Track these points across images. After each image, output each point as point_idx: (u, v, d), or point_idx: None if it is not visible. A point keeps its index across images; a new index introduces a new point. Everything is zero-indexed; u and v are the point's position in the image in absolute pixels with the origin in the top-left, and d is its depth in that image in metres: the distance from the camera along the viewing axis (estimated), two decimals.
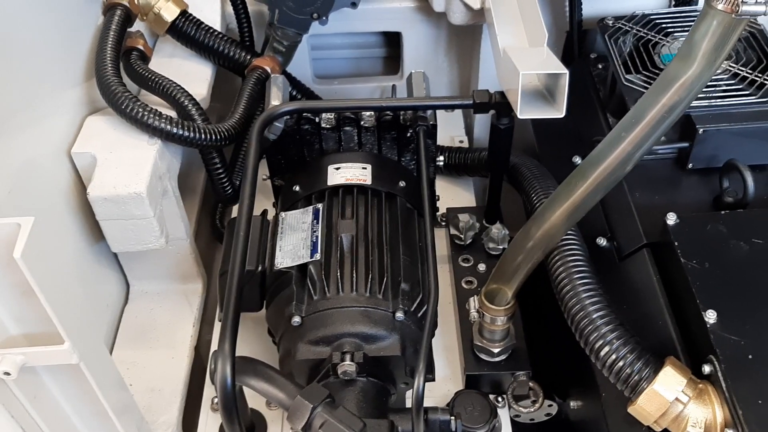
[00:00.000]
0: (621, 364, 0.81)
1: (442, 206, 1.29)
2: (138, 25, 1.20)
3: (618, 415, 0.86)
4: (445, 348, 1.14)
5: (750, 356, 0.78)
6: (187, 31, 1.23)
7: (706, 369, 0.80)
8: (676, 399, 0.78)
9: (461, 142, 1.46)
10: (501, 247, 1.20)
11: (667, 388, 0.78)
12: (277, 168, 1.19)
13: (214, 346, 1.15)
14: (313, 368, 0.95)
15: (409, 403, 0.97)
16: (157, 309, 1.17)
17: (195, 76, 1.24)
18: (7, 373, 0.77)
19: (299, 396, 0.84)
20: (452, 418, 0.94)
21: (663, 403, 0.78)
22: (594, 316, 0.84)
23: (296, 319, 0.95)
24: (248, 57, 1.25)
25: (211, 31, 1.24)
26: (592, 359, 0.84)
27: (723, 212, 0.90)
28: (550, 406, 1.19)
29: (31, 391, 0.85)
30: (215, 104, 1.29)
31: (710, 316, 0.80)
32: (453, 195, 1.36)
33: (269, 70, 1.21)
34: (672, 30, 1.13)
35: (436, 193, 1.26)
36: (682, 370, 0.80)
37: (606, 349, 0.82)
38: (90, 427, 0.95)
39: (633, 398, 0.81)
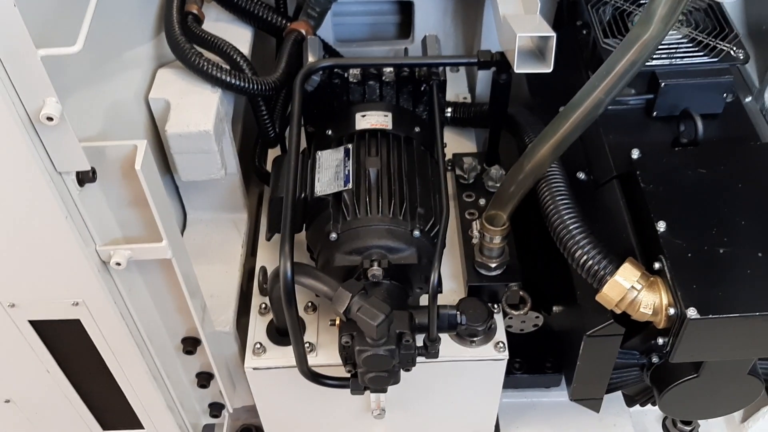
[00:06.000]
0: (591, 262, 1.04)
1: (449, 152, 1.50)
2: None
3: (589, 306, 1.09)
4: (451, 267, 1.35)
5: (689, 255, 1.01)
6: None
7: (656, 266, 1.03)
8: (632, 287, 1.01)
9: (465, 98, 1.67)
10: (498, 185, 1.42)
11: (626, 279, 1.01)
12: (310, 116, 1.41)
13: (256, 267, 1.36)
14: (347, 274, 1.17)
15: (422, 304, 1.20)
16: (211, 233, 1.39)
17: (237, 39, 1.42)
18: (119, 264, 1.00)
19: (341, 287, 1.06)
20: (458, 313, 1.17)
21: (622, 290, 1.01)
22: (571, 227, 1.07)
23: (333, 235, 1.17)
24: (284, 21, 1.45)
25: None
26: (569, 261, 1.07)
27: (676, 148, 1.13)
28: (537, 317, 1.42)
29: (128, 285, 1.07)
30: None
31: (661, 226, 1.04)
32: (458, 143, 1.57)
33: (304, 33, 1.41)
34: (644, 2, 1.33)
35: (445, 141, 1.47)
36: (638, 266, 1.03)
37: (579, 252, 1.05)
38: (168, 319, 1.18)
39: (599, 289, 1.04)
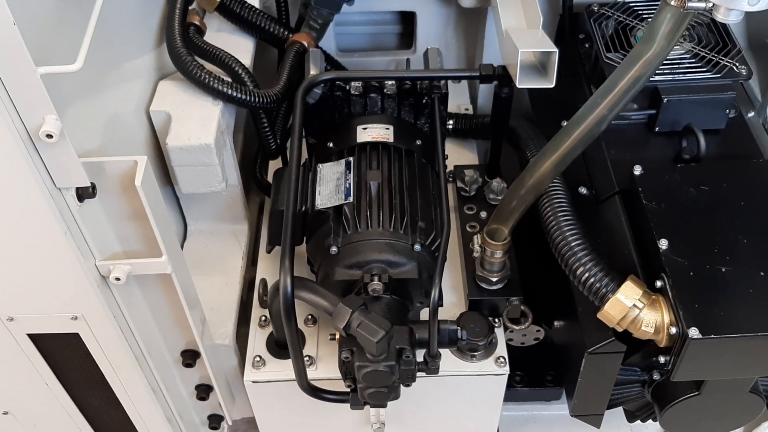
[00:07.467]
0: (592, 280, 1.03)
1: (450, 164, 1.49)
2: None
3: (590, 323, 1.09)
4: (452, 280, 1.34)
5: (691, 273, 1.00)
6: (233, 9, 1.41)
7: (658, 284, 1.03)
8: (634, 305, 1.00)
9: (466, 109, 1.66)
10: (500, 197, 1.41)
11: (628, 297, 1.01)
12: (311, 128, 1.40)
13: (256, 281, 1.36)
14: (347, 288, 1.17)
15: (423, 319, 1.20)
16: (211, 244, 1.39)
17: (239, 49, 1.41)
18: (118, 279, 0.99)
19: (341, 303, 1.06)
20: (458, 328, 1.16)
21: (624, 308, 1.01)
22: (573, 244, 1.06)
23: (334, 249, 1.17)
24: (286, 33, 1.44)
25: (254, 9, 1.43)
26: (571, 278, 1.07)
27: (678, 165, 1.12)
28: (538, 331, 1.41)
29: (127, 299, 1.07)
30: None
31: (663, 244, 1.03)
32: (460, 154, 1.57)
33: (306, 45, 1.41)
34: (647, 16, 1.33)
35: (446, 153, 1.47)
36: (640, 284, 1.03)
37: (581, 269, 1.05)
38: (167, 333, 1.18)
39: (601, 306, 1.03)
